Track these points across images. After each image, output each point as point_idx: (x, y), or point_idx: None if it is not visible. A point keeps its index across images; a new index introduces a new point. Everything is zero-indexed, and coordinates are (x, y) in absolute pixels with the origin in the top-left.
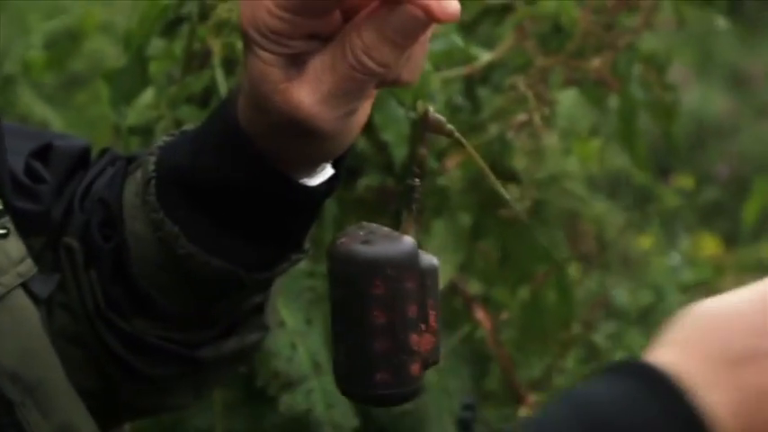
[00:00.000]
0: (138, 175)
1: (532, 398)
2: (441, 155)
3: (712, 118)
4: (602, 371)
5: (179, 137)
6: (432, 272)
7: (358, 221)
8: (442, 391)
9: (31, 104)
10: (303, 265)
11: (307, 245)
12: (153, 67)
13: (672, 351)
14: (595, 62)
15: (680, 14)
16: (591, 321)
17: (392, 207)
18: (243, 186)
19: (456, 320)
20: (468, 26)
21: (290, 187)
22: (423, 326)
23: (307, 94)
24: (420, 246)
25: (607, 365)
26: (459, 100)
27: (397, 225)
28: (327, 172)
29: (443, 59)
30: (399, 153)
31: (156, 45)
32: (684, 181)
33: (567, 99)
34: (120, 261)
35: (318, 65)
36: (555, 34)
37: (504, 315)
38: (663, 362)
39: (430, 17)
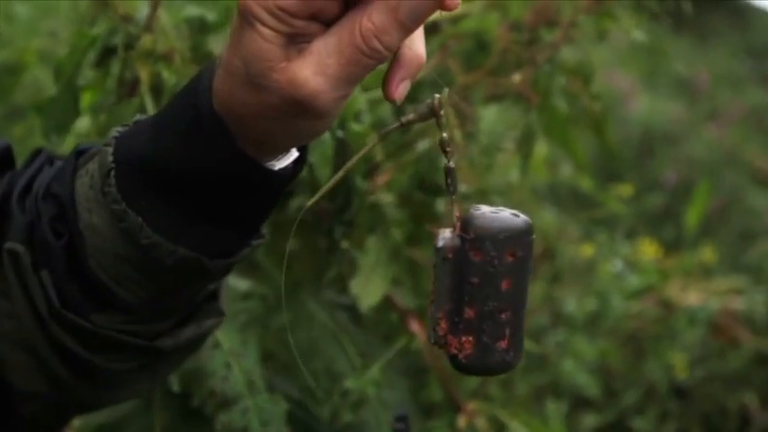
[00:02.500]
0: (92, 167)
1: (471, 406)
2: (368, 174)
3: (660, 125)
4: None
5: (134, 127)
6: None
7: (292, 241)
8: (380, 404)
9: None
10: (239, 286)
11: (264, 230)
12: (86, 97)
13: None
14: (516, 78)
15: (600, 28)
16: (528, 329)
17: (325, 226)
18: (210, 173)
19: (392, 334)
20: None
21: (258, 172)
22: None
23: (312, 74)
24: (353, 262)
25: None
26: (389, 119)
27: (331, 243)
28: (292, 154)
29: (371, 80)
30: (323, 174)
31: (88, 75)
32: (624, 189)
33: (490, 115)
34: (74, 256)
35: (323, 47)
36: (479, 51)
37: None
38: None
39: (443, 4)
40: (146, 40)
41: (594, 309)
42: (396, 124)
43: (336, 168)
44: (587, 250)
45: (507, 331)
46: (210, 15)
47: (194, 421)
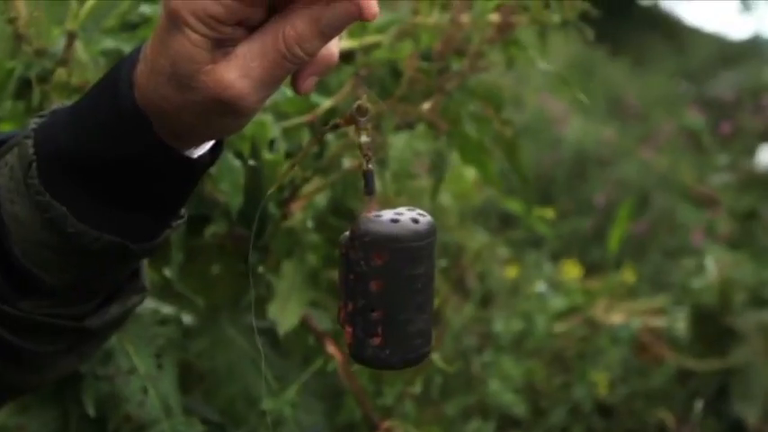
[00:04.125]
0: (11, 158)
1: (386, 425)
2: (283, 203)
3: (593, 148)
4: None
5: (52, 117)
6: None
7: (209, 266)
8: (296, 426)
9: None
10: (155, 307)
11: (184, 210)
12: (4, 128)
13: None
14: (425, 105)
15: (508, 56)
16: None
17: (244, 251)
18: (131, 163)
19: (310, 356)
20: None
21: (179, 162)
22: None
23: (237, 76)
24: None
25: None
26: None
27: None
28: (210, 142)
29: (290, 108)
30: (235, 202)
31: (7, 107)
32: (547, 212)
33: (399, 142)
34: None
35: (248, 51)
36: (392, 80)
37: None
38: None
39: (362, 15)
40: (60, 73)
41: (520, 329)
42: (329, 125)
43: (249, 196)
44: (512, 271)
45: (380, 330)
46: (127, 48)
47: None
